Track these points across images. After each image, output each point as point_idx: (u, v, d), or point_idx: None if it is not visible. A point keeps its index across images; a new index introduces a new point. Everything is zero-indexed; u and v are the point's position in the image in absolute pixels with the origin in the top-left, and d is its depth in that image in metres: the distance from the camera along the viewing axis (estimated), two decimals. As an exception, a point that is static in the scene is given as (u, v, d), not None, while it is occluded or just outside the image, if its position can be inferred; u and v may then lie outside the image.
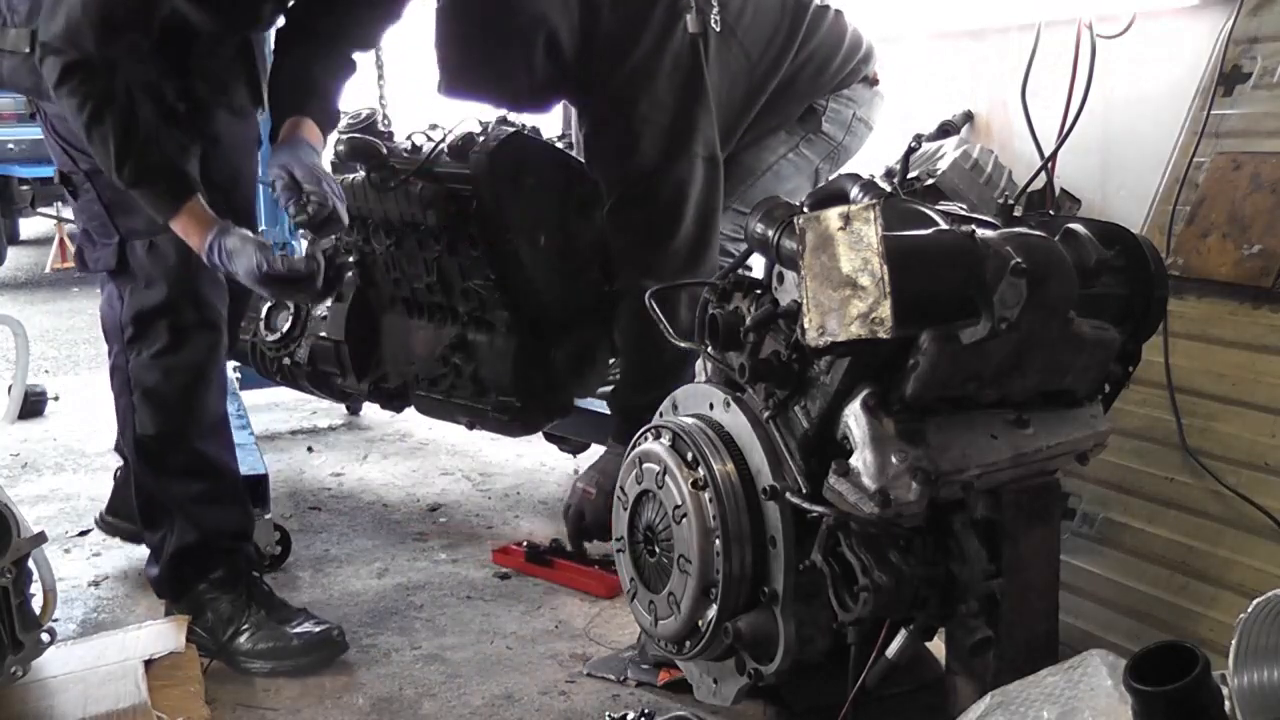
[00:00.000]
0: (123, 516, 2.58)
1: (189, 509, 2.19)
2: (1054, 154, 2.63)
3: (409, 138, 2.71)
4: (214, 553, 2.20)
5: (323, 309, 3.14)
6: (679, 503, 1.65)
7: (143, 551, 2.74)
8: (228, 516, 2.25)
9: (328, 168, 2.16)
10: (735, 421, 1.64)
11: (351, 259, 2.59)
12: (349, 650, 2.16)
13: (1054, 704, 1.21)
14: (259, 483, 2.55)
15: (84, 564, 2.68)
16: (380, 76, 2.96)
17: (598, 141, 2.42)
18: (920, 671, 1.73)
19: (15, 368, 4.04)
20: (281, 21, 2.25)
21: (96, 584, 2.56)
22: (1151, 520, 1.93)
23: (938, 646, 1.69)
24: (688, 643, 1.70)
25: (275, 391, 3.71)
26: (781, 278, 1.59)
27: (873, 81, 2.73)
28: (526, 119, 2.64)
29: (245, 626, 2.13)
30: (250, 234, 2.02)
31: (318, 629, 2.15)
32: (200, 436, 2.20)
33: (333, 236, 2.09)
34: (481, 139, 2.51)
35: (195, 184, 2.05)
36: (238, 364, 3.48)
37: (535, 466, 3.35)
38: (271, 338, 3.07)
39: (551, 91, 2.49)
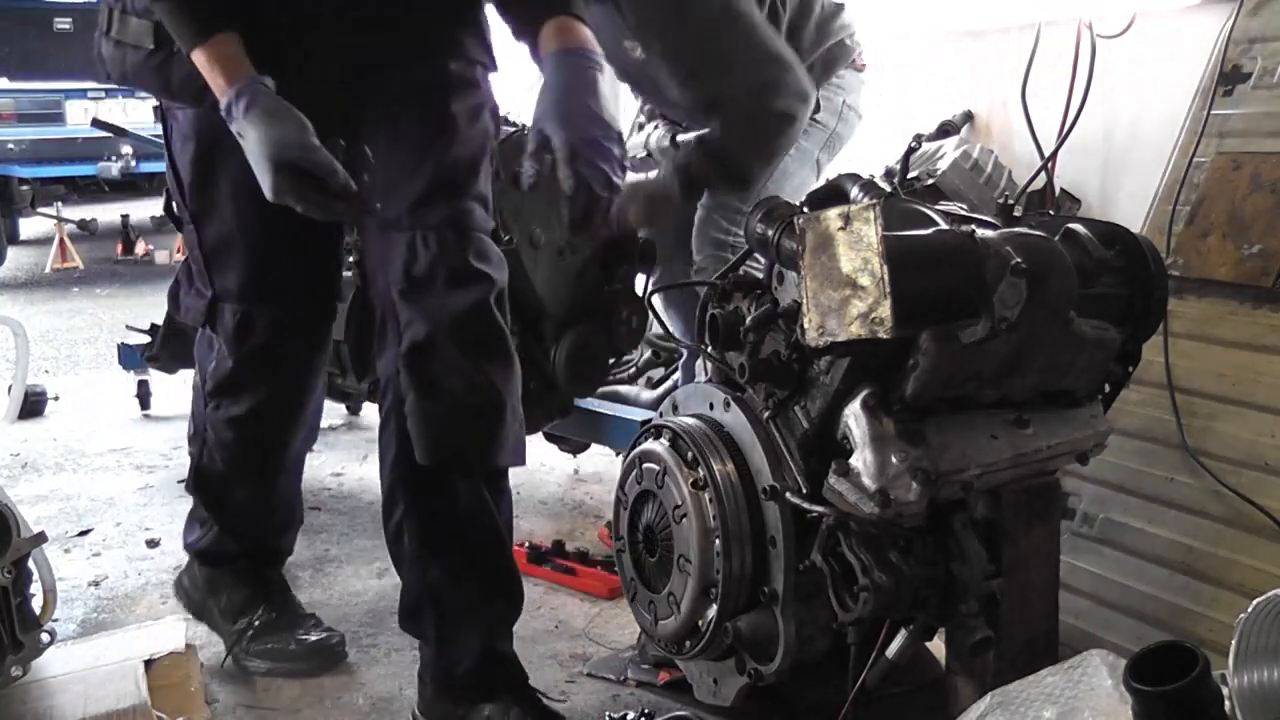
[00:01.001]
0: None
1: (236, 527, 2.16)
2: (1054, 154, 2.64)
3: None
4: (246, 553, 2.19)
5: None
6: (679, 503, 1.65)
7: (144, 551, 2.75)
8: (270, 536, 2.22)
9: (613, 108, 1.65)
10: (735, 421, 1.64)
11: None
12: (348, 651, 2.16)
13: (1054, 704, 1.21)
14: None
15: (84, 564, 2.68)
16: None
17: None
18: (920, 671, 1.73)
19: (15, 368, 4.03)
20: None
21: (96, 584, 2.56)
22: (1151, 520, 1.93)
23: (938, 646, 1.69)
24: (688, 643, 1.70)
25: (275, 391, 3.70)
26: (781, 278, 1.59)
27: (859, 68, 2.73)
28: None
29: (255, 622, 2.12)
30: (293, 108, 1.57)
31: (318, 636, 2.13)
32: (265, 484, 2.13)
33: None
34: (481, 139, 2.51)
35: (237, 23, 1.63)
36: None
37: (535, 466, 3.34)
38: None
39: None
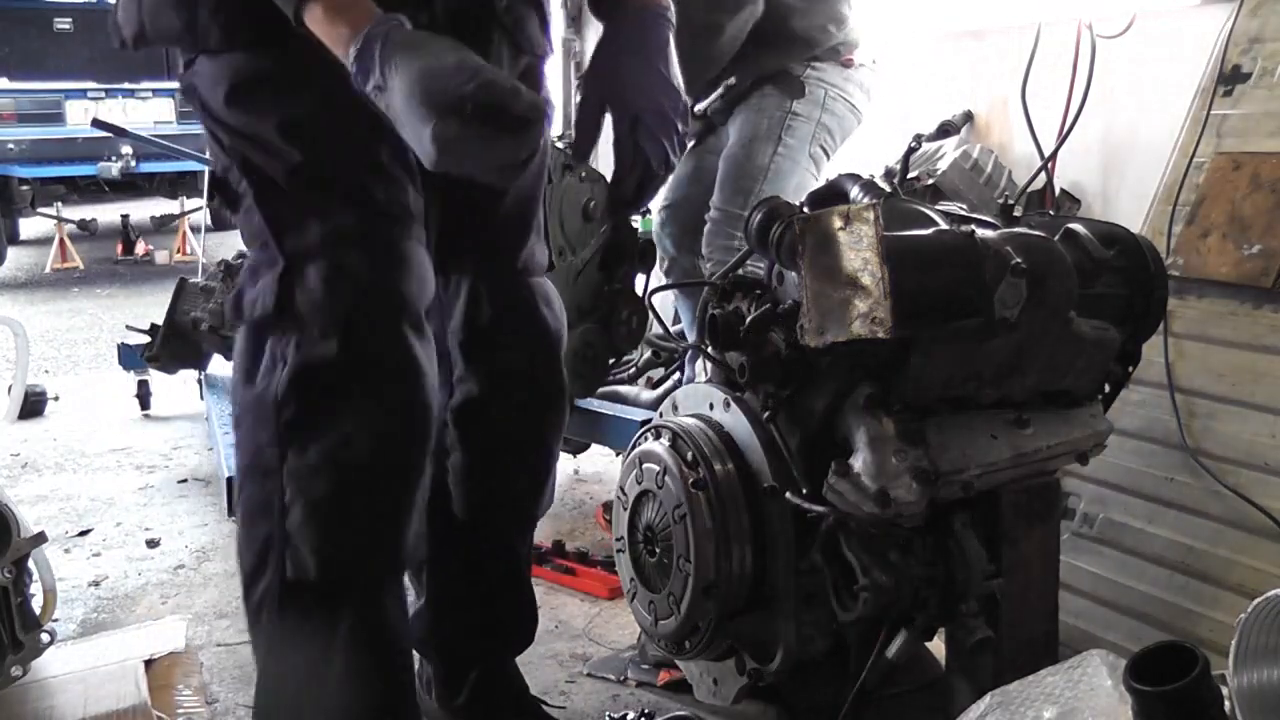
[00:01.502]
0: None
1: (330, 691, 1.41)
2: (1054, 154, 2.64)
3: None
4: None
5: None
6: (679, 503, 1.65)
7: (144, 551, 2.75)
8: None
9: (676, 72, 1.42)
10: (735, 421, 1.64)
11: None
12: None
13: (1054, 704, 1.21)
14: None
15: (84, 564, 2.68)
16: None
17: None
18: (920, 671, 1.73)
19: (15, 368, 4.03)
20: None
21: (96, 584, 2.56)
22: (1151, 520, 1.93)
23: (938, 646, 1.69)
24: (688, 643, 1.70)
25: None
26: (781, 278, 1.59)
27: (845, 63, 2.73)
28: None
29: None
30: (437, 35, 1.22)
31: None
32: (388, 578, 1.46)
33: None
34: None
35: None
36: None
37: (535, 466, 3.34)
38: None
39: None
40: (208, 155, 1.51)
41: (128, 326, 4.02)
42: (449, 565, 1.73)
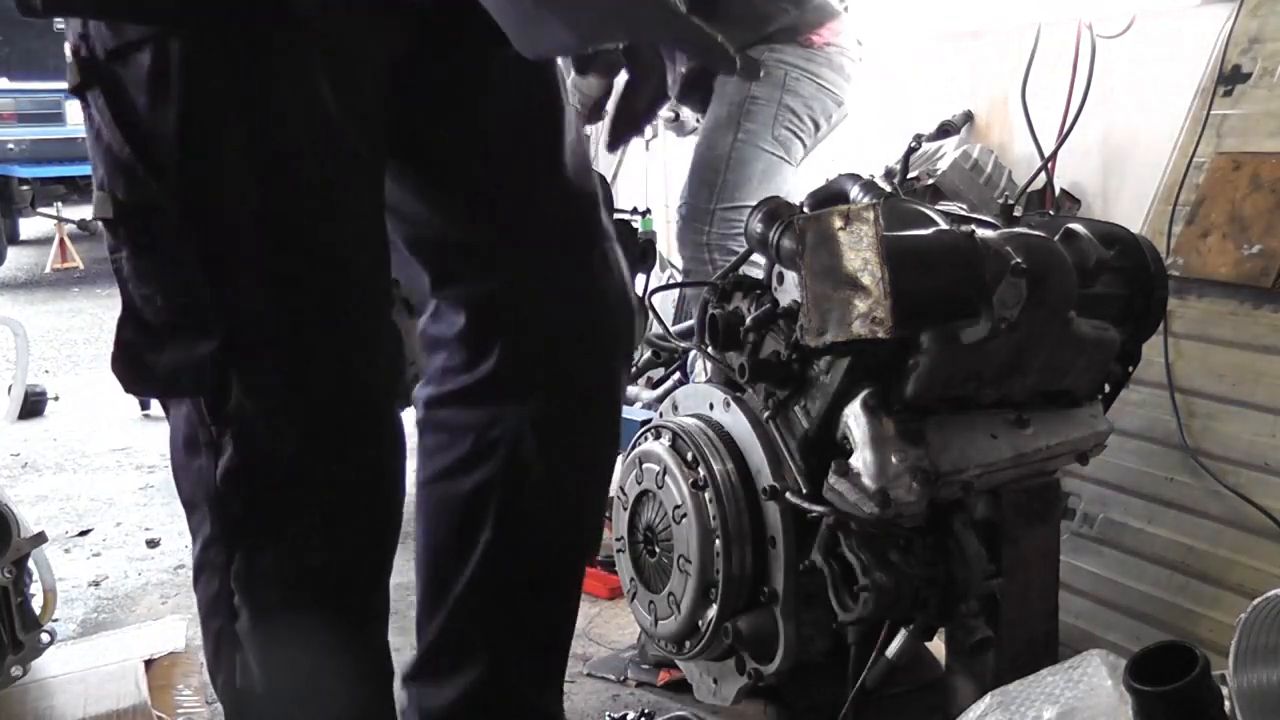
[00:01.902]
0: None
1: None
2: (1054, 154, 2.64)
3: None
4: None
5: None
6: (679, 503, 1.65)
7: (144, 551, 2.74)
8: None
9: None
10: (735, 421, 1.64)
11: None
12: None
13: (1054, 704, 1.21)
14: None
15: (84, 564, 2.68)
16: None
17: None
18: (920, 671, 1.73)
19: (15, 368, 4.04)
20: None
21: (96, 584, 2.56)
22: (1151, 520, 1.93)
23: (938, 646, 1.69)
24: (688, 643, 1.70)
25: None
26: (781, 278, 1.59)
27: (804, 43, 2.70)
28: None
29: None
30: None
31: None
32: (358, 688, 1.27)
33: None
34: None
35: None
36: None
37: (535, 466, 3.34)
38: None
39: None
40: (103, 175, 1.11)
41: (128, 326, 4.02)
42: (505, 599, 1.45)
